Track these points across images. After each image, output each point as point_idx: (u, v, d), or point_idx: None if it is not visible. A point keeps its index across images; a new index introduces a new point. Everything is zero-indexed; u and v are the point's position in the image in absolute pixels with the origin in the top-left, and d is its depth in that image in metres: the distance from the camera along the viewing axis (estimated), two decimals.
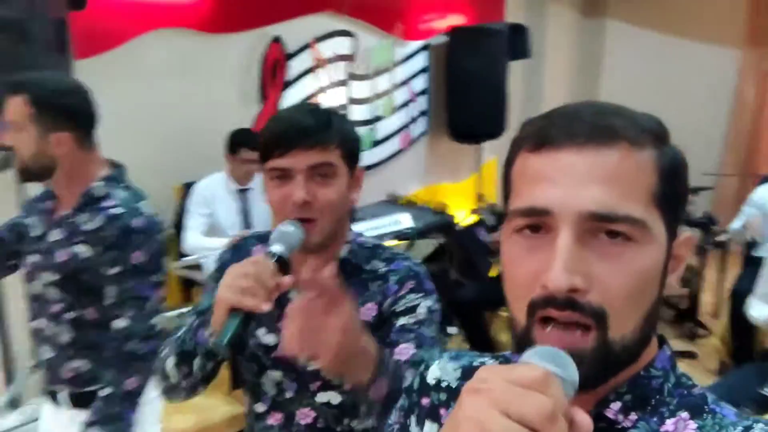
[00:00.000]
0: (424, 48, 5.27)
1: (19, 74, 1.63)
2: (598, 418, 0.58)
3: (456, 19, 5.38)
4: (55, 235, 1.62)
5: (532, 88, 6.11)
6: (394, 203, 4.79)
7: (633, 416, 0.60)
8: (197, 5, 4.02)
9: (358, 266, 1.20)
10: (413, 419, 0.75)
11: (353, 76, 4.76)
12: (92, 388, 1.61)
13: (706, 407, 0.60)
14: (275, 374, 1.20)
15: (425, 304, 1.14)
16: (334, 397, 1.17)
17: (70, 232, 1.60)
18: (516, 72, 5.47)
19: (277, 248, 1.06)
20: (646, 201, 0.56)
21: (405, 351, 1.08)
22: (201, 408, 3.35)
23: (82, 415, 1.58)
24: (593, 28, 6.36)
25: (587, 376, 0.55)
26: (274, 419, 1.22)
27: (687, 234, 0.62)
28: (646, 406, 0.60)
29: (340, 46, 4.61)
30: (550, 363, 0.52)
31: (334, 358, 0.91)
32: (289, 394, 1.20)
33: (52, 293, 1.61)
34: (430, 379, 0.75)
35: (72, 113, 1.57)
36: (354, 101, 4.81)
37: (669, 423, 0.59)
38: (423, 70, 5.31)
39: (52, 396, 1.70)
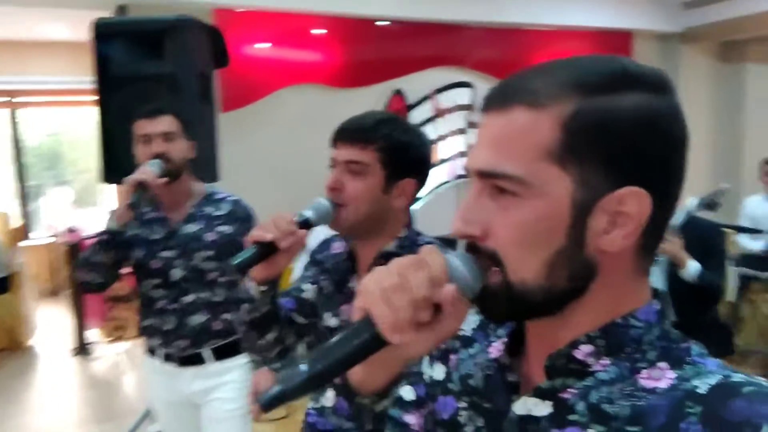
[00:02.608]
0: None
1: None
2: (569, 359, 0.61)
3: None
4: (192, 227, 2.10)
5: None
6: None
7: (605, 361, 0.60)
8: (328, 63, 4.45)
9: None
10: (427, 358, 0.82)
11: (472, 125, 4.94)
12: (235, 337, 2.09)
13: (688, 359, 0.60)
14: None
15: None
16: None
17: (207, 220, 2.11)
18: None
19: (306, 211, 1.28)
20: (533, 158, 0.58)
21: None
22: None
23: (227, 364, 2.12)
24: (732, 73, 6.06)
25: (497, 307, 0.62)
26: (329, 401, 1.35)
27: (631, 188, 0.58)
28: (620, 353, 0.60)
29: (459, 96, 4.84)
30: (452, 254, 0.62)
31: None
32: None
33: (209, 265, 2.09)
34: None
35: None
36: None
37: (644, 373, 0.59)
38: None
39: (195, 359, 2.11)
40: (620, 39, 5.38)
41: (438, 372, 0.79)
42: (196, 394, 2.15)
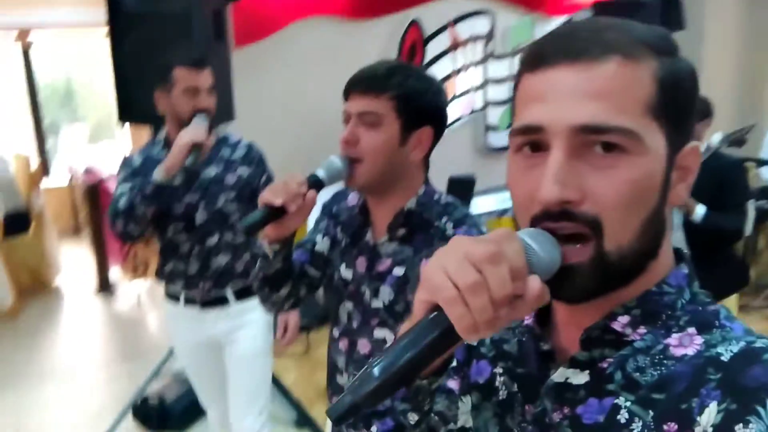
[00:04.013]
0: (567, 23, 5.14)
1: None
2: (605, 330, 0.61)
3: None
4: (212, 171, 2.12)
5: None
6: None
7: (642, 330, 0.60)
8: None
9: (428, 221, 1.27)
10: None
11: (491, 56, 4.79)
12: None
13: (716, 322, 0.60)
14: (349, 305, 1.37)
15: None
16: (388, 335, 1.29)
17: (226, 163, 2.14)
18: None
19: (319, 171, 1.26)
20: (640, 113, 0.57)
21: None
22: None
23: (248, 303, 2.17)
24: (757, 10, 5.79)
25: (586, 288, 0.58)
26: (343, 344, 1.38)
27: (693, 144, 0.61)
28: (657, 321, 0.60)
29: (478, 26, 4.67)
30: (527, 235, 0.56)
31: None
32: (355, 324, 1.35)
33: (232, 207, 2.13)
34: None
35: None
36: (491, 81, 4.84)
37: (674, 337, 0.59)
38: None
39: (218, 301, 2.17)
40: None
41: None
42: (220, 335, 2.20)
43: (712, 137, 3.09)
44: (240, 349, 2.20)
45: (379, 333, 1.30)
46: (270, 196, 1.20)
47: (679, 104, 0.59)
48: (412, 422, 0.69)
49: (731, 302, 3.33)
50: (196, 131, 1.92)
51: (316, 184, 1.24)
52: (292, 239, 1.32)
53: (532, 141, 0.60)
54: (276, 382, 3.14)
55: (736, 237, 3.20)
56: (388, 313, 1.28)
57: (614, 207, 0.56)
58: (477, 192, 3.86)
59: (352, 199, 1.43)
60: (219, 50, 2.86)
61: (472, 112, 4.81)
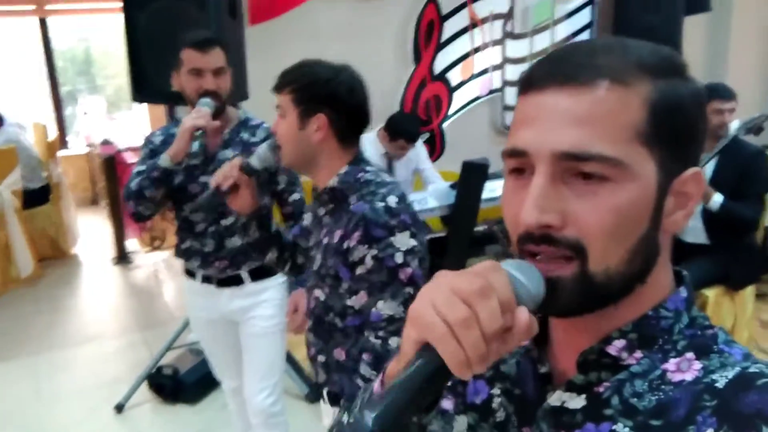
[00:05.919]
0: (589, 3, 5.06)
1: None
2: (601, 354, 0.61)
3: None
4: (228, 153, 2.11)
5: (715, 47, 5.58)
6: None
7: (638, 354, 0.60)
8: None
9: (346, 197, 1.44)
10: None
11: (510, 35, 4.73)
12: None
13: (714, 347, 0.59)
14: (311, 265, 1.55)
15: (371, 254, 1.34)
16: (320, 294, 1.48)
17: (244, 146, 2.13)
18: (697, 29, 5.04)
19: (251, 157, 1.53)
20: (627, 139, 0.56)
21: (360, 298, 1.38)
22: None
23: (264, 284, 2.22)
24: None
25: (569, 302, 0.58)
26: (307, 297, 1.58)
27: (693, 170, 0.60)
28: (653, 345, 0.60)
29: (497, 4, 4.60)
30: (512, 267, 0.56)
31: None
32: (310, 283, 1.55)
33: None
34: None
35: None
36: (509, 61, 4.78)
37: (672, 362, 0.59)
38: (586, 27, 5.11)
39: (233, 280, 2.21)
40: None
41: None
42: (235, 313, 2.24)
43: (731, 124, 3.05)
44: (255, 328, 2.24)
45: (317, 292, 1.50)
46: (212, 179, 1.53)
47: (676, 128, 0.58)
48: None
49: (748, 290, 3.32)
50: (197, 116, 1.93)
51: (247, 167, 1.51)
52: (258, 213, 1.58)
53: (519, 165, 0.60)
54: (289, 357, 3.19)
55: (752, 227, 3.18)
56: (317, 276, 1.47)
57: (597, 234, 0.56)
58: (494, 173, 3.83)
59: None
60: (233, 28, 2.85)
61: (490, 92, 4.77)
